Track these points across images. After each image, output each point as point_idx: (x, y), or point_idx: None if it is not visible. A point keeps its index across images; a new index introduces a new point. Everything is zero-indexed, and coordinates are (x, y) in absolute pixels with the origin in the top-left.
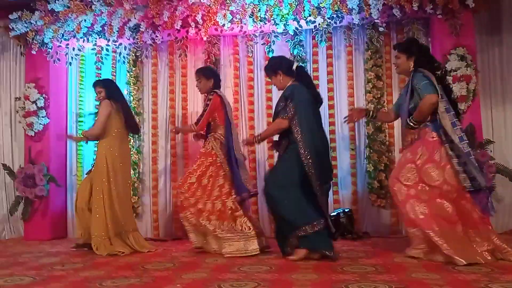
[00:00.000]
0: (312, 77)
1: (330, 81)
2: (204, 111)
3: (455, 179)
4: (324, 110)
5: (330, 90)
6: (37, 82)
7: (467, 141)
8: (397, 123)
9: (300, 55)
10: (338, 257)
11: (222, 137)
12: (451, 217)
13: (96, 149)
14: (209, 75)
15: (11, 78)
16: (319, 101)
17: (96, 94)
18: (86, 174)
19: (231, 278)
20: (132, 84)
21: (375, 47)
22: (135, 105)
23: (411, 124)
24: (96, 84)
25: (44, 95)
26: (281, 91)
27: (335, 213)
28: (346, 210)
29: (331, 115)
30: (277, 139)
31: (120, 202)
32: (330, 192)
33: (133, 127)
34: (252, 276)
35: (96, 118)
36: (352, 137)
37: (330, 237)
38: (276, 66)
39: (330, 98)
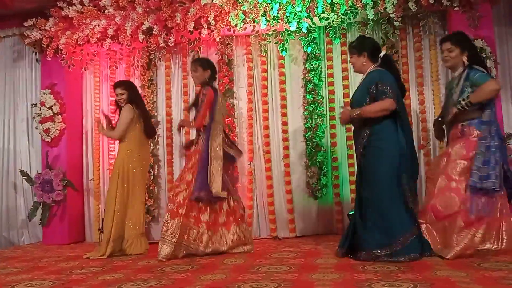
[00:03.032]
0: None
1: (345, 78)
2: (201, 106)
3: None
4: (339, 107)
5: (346, 87)
6: (53, 88)
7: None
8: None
9: (314, 53)
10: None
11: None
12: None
13: (118, 150)
14: (206, 66)
15: (27, 84)
16: (404, 93)
17: (116, 95)
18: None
19: (250, 279)
20: (146, 88)
21: (391, 42)
22: (150, 108)
23: (462, 104)
24: (118, 85)
25: (60, 100)
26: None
27: (353, 212)
28: None
29: None
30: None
31: (128, 207)
32: (348, 190)
33: (150, 133)
34: (271, 276)
35: (118, 123)
36: None
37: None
38: (364, 46)
39: (346, 95)
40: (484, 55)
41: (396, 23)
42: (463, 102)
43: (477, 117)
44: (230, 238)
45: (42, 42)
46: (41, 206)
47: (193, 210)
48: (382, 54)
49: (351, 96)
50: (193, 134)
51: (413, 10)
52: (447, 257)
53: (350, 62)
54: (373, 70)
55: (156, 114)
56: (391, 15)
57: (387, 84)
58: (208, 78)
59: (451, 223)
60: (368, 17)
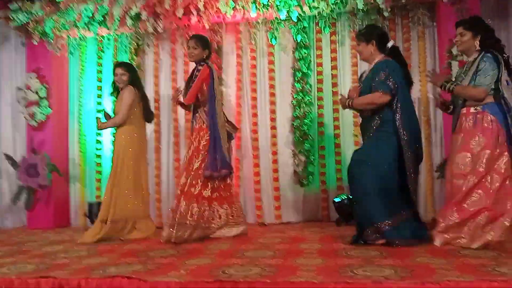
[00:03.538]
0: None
1: (334, 67)
2: (193, 82)
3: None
4: (328, 96)
5: (334, 76)
6: (39, 72)
7: None
8: None
9: (304, 42)
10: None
11: (207, 108)
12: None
13: (114, 137)
14: (206, 46)
15: (13, 68)
16: (411, 83)
17: (116, 75)
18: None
19: (235, 264)
20: None
21: None
22: None
23: (447, 86)
24: (120, 65)
25: (45, 85)
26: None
27: (339, 199)
28: (350, 196)
29: (335, 102)
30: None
31: (130, 189)
32: (334, 178)
33: (149, 117)
34: (256, 261)
35: (121, 105)
36: (356, 123)
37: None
38: (373, 34)
39: (334, 84)
40: None
41: (386, 14)
42: (449, 85)
43: (489, 101)
44: (224, 214)
45: (28, 25)
46: (26, 190)
47: (202, 188)
48: (390, 44)
49: (339, 85)
50: (180, 114)
51: (403, 1)
52: (473, 247)
53: (356, 50)
54: (382, 61)
55: None
56: (380, 6)
57: (387, 75)
58: (206, 57)
59: (476, 219)
60: (358, 7)
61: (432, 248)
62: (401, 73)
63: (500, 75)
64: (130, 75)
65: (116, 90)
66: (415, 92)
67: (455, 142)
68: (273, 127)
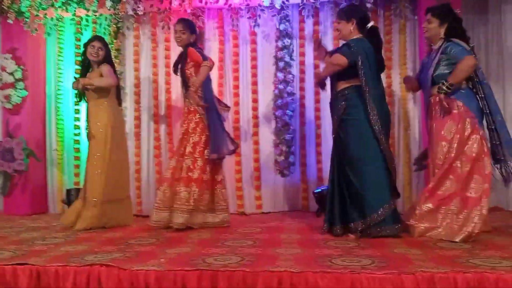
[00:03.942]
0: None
1: (316, 57)
2: (187, 64)
3: (481, 148)
4: (310, 87)
5: (317, 67)
6: (14, 53)
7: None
8: None
9: (287, 31)
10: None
11: (200, 91)
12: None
13: (91, 114)
14: (194, 30)
15: None
16: (383, 68)
17: (94, 47)
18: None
19: (215, 253)
20: (113, 57)
21: None
22: None
23: (444, 89)
24: (98, 39)
25: (22, 66)
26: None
27: (319, 190)
28: None
29: (317, 92)
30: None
31: (117, 169)
32: (315, 168)
33: (120, 99)
34: (236, 250)
35: (106, 75)
36: None
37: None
38: (354, 13)
39: (317, 75)
40: None
41: (368, 5)
42: (444, 87)
43: (457, 88)
44: (208, 197)
45: (3, 3)
46: (2, 176)
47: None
48: (369, 25)
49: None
50: (160, 100)
51: None
52: (457, 241)
53: (336, 28)
54: (355, 38)
55: (124, 85)
56: None
57: (351, 45)
58: (193, 41)
59: (449, 206)
60: None
61: (409, 239)
62: (370, 52)
63: None
64: (106, 51)
65: (87, 64)
66: (395, 85)
67: (430, 131)
68: (255, 116)
